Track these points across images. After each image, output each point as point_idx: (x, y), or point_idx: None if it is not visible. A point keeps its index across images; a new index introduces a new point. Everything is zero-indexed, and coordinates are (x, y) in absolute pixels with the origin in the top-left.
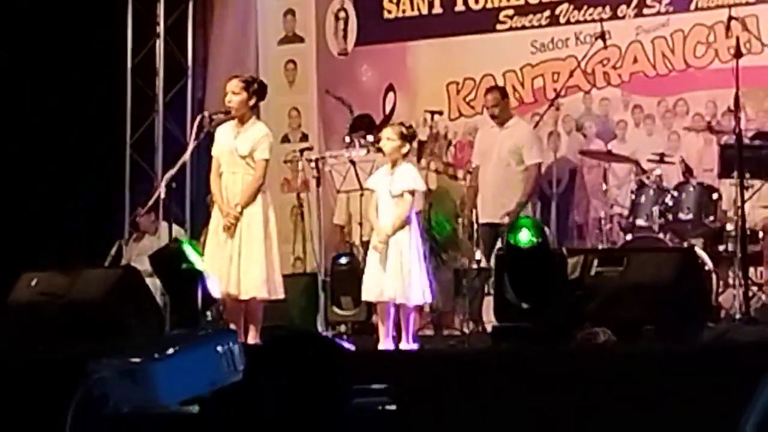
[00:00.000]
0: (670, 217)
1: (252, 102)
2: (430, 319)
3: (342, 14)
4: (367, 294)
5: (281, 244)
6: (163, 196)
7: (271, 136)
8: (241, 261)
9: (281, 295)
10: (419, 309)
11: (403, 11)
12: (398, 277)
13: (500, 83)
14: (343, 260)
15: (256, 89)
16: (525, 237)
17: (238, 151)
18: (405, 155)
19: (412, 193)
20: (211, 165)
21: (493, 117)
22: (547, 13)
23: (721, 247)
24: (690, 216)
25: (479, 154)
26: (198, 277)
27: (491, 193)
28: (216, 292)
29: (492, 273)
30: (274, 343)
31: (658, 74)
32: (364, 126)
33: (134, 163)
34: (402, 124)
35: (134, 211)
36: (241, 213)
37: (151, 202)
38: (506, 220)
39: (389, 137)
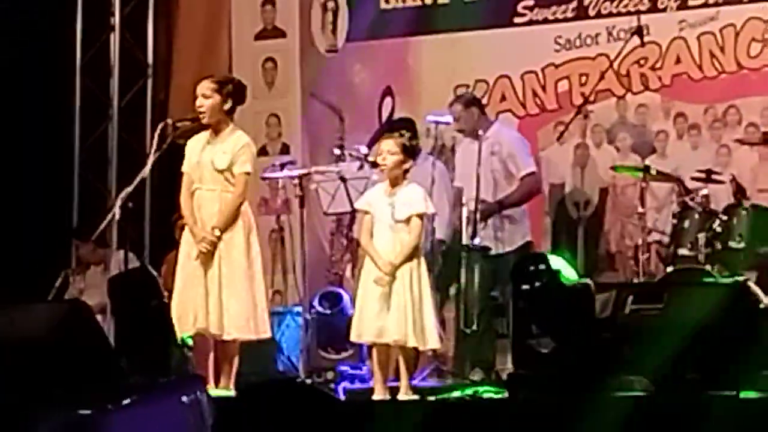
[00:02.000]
0: (719, 245)
1: (227, 106)
2: (433, 365)
3: (331, 4)
4: (363, 334)
5: None
6: (117, 217)
7: (252, 146)
8: (222, 294)
9: (268, 333)
10: (419, 353)
11: (404, 1)
12: (406, 315)
13: (518, 86)
14: (331, 295)
15: (232, 91)
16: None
17: (214, 164)
18: (406, 173)
19: (422, 217)
20: (178, 182)
21: (462, 132)
22: (574, 4)
23: None
24: (742, 244)
25: (460, 176)
26: (168, 312)
27: (491, 221)
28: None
29: (506, 310)
30: (250, 392)
31: (705, 77)
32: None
33: (83, 178)
34: (403, 134)
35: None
36: (219, 237)
37: (103, 225)
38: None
39: (390, 150)
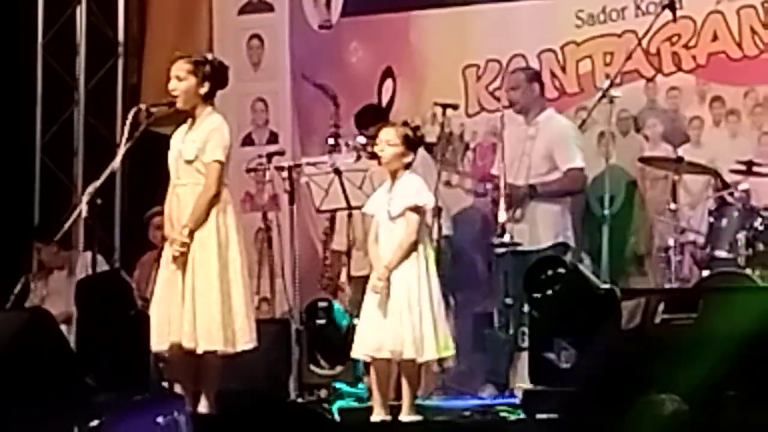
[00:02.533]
0: (761, 246)
1: (203, 90)
2: (441, 381)
3: None
4: (360, 349)
5: None
6: (84, 214)
7: (225, 128)
8: (195, 303)
9: (250, 345)
10: (425, 368)
11: None
12: (404, 324)
13: (534, 66)
14: (322, 304)
15: (209, 73)
16: None
17: (183, 155)
18: (407, 166)
19: (417, 210)
20: (152, 175)
21: (512, 106)
22: None
23: None
24: None
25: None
26: (145, 322)
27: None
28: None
29: (526, 320)
30: (235, 412)
31: (745, 56)
32: (371, 119)
33: (46, 170)
34: (407, 123)
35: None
36: (190, 237)
37: (68, 224)
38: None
39: (390, 141)
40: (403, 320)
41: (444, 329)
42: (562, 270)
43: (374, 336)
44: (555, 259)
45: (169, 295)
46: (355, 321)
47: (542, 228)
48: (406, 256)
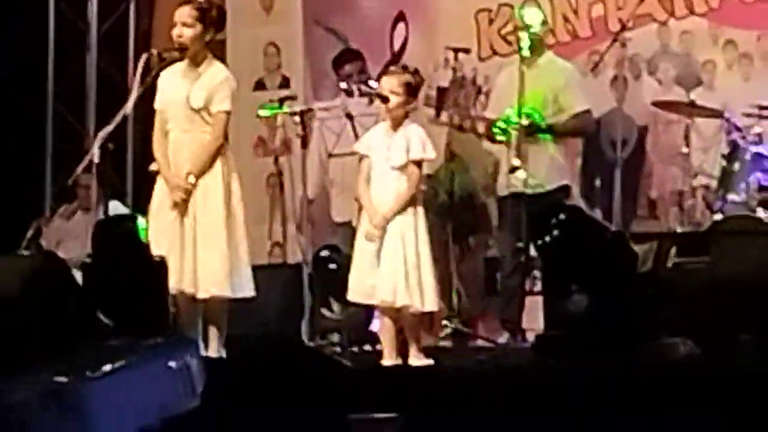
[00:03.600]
0: None
1: (208, 37)
2: (453, 325)
3: None
4: (355, 294)
5: (254, 224)
6: (97, 160)
7: (232, 80)
8: (197, 248)
9: (250, 292)
10: (436, 313)
11: None
12: (398, 273)
13: (547, 11)
14: (328, 251)
15: (215, 19)
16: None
17: (190, 102)
18: (409, 113)
19: (419, 164)
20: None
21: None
22: None
23: None
24: None
25: (497, 104)
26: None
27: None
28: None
29: (537, 264)
30: (245, 356)
31: None
32: (352, 64)
33: (59, 116)
34: (406, 68)
35: (58, 181)
36: (194, 184)
37: (80, 168)
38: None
39: (392, 89)
40: (397, 269)
41: (434, 281)
42: (568, 214)
43: (368, 282)
44: (561, 203)
45: (166, 240)
46: None
47: (548, 171)
48: (405, 207)
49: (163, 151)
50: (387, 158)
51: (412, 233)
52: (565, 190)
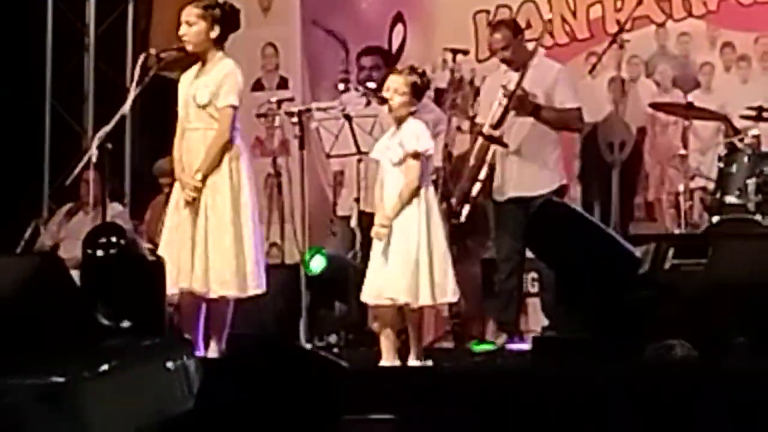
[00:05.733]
0: None
1: (214, 34)
2: (450, 327)
3: None
4: (366, 294)
5: None
6: (94, 160)
7: (238, 73)
8: (208, 247)
9: (260, 289)
10: (436, 314)
11: None
12: (400, 271)
13: (545, 12)
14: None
15: (219, 17)
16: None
17: (196, 99)
18: (412, 114)
19: (417, 156)
20: (162, 120)
21: (504, 62)
22: None
23: None
24: None
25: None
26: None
27: (516, 160)
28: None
29: (534, 266)
30: (243, 357)
31: (755, 1)
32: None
33: (56, 115)
34: (414, 69)
35: (61, 178)
36: (203, 182)
37: (78, 169)
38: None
39: (397, 89)
40: (399, 267)
41: (444, 274)
42: (560, 216)
43: (374, 283)
44: (554, 205)
45: (178, 239)
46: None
47: (541, 173)
48: (408, 202)
49: (179, 152)
50: (389, 157)
51: (415, 228)
52: (562, 191)
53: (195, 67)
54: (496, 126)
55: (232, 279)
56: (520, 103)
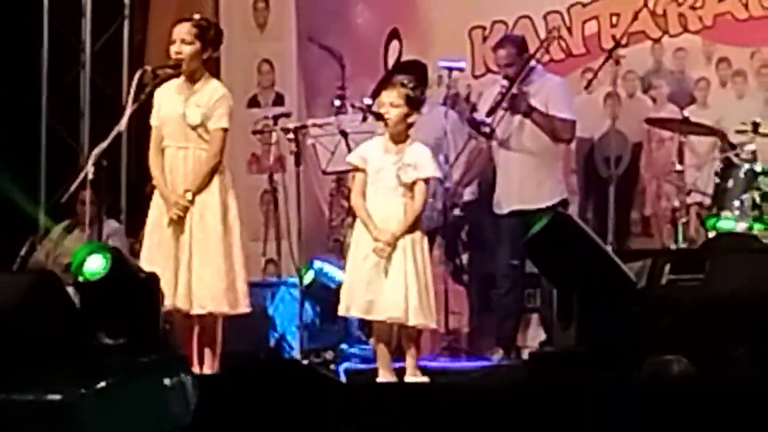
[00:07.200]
0: (767, 207)
1: (207, 54)
2: (446, 343)
3: None
4: (351, 307)
5: (248, 241)
6: (90, 177)
7: (230, 97)
8: (193, 265)
9: (245, 308)
10: (431, 330)
11: None
12: (407, 290)
13: (540, 28)
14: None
15: (213, 37)
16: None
17: (187, 119)
18: (410, 127)
19: (428, 181)
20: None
21: (507, 78)
22: None
23: None
24: None
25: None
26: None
27: (518, 173)
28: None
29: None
30: (239, 373)
31: (751, 17)
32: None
33: (52, 132)
34: (405, 84)
35: (56, 195)
36: (192, 201)
37: (74, 186)
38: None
39: (393, 102)
40: (408, 287)
41: (430, 296)
42: (561, 231)
43: (366, 297)
44: (554, 221)
45: (161, 257)
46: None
47: (542, 187)
48: (416, 225)
49: (160, 167)
50: (396, 175)
51: (419, 250)
52: (561, 206)
53: (175, 83)
54: (488, 114)
55: (224, 295)
56: (514, 100)
